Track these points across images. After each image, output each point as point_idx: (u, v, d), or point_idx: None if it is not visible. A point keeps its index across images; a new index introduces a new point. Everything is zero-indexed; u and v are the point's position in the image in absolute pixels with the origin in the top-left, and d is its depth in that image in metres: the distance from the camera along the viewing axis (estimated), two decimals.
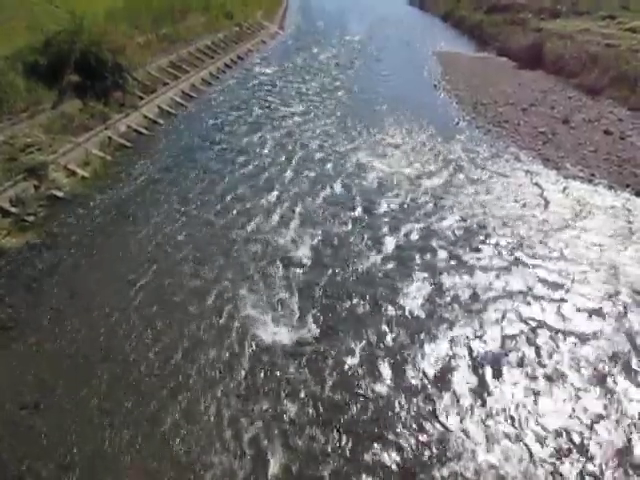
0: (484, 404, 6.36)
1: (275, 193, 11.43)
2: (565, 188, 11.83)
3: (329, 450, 5.79)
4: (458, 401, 6.39)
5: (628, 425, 6.14)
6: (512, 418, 6.18)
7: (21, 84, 12.41)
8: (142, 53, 18.12)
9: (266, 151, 13.82)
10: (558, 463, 5.68)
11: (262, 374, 6.73)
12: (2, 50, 13.04)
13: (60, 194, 10.77)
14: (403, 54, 27.11)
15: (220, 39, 25.55)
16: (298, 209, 10.72)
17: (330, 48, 28.48)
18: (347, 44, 29.81)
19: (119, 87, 14.96)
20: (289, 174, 12.42)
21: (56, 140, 11.85)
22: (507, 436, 5.96)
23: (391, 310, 7.91)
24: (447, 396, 6.46)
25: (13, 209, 9.83)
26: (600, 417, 6.24)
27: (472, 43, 30.63)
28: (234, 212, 10.64)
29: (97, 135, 13.12)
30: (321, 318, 7.72)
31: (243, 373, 6.74)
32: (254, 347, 7.15)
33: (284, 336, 7.34)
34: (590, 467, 5.67)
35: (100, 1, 21.12)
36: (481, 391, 6.54)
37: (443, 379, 6.71)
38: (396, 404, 6.35)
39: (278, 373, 6.75)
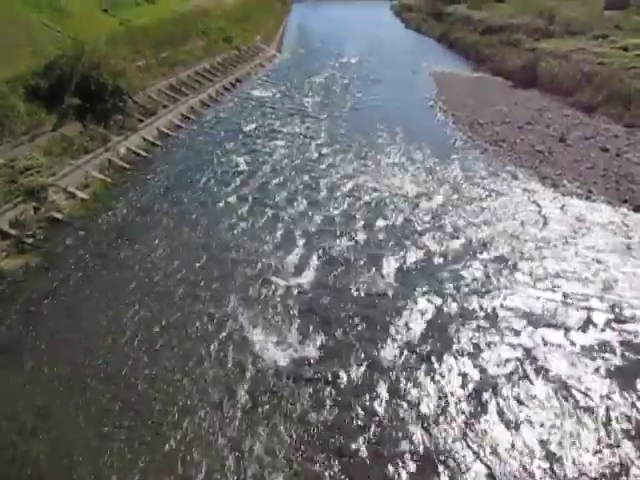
0: (478, 430, 6.29)
1: (273, 214, 11.46)
2: (563, 205, 11.86)
3: (329, 474, 5.72)
4: (461, 430, 6.31)
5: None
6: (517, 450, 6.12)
7: (22, 107, 12.54)
8: (142, 76, 18.34)
9: (264, 172, 13.89)
10: None
11: (262, 397, 6.66)
12: (4, 74, 13.20)
13: (59, 216, 10.81)
14: (399, 75, 27.38)
15: (219, 62, 25.86)
16: (296, 231, 10.72)
17: (327, 70, 28.79)
18: (344, 66, 30.15)
19: (119, 110, 15.13)
20: (287, 195, 12.46)
21: (56, 162, 11.94)
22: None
23: (391, 332, 7.85)
24: (449, 422, 6.39)
25: (12, 231, 9.85)
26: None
27: (467, 63, 30.93)
28: (232, 233, 10.65)
29: (97, 157, 13.22)
30: (321, 340, 7.67)
31: (243, 395, 6.67)
32: (254, 369, 7.09)
33: (284, 358, 7.28)
34: None
35: (101, 26, 21.49)
36: (477, 420, 6.45)
37: (443, 403, 6.65)
38: (395, 428, 6.29)
39: (278, 395, 6.69)
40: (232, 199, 12.22)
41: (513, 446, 5.99)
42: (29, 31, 17.46)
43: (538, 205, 11.88)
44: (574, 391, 6.75)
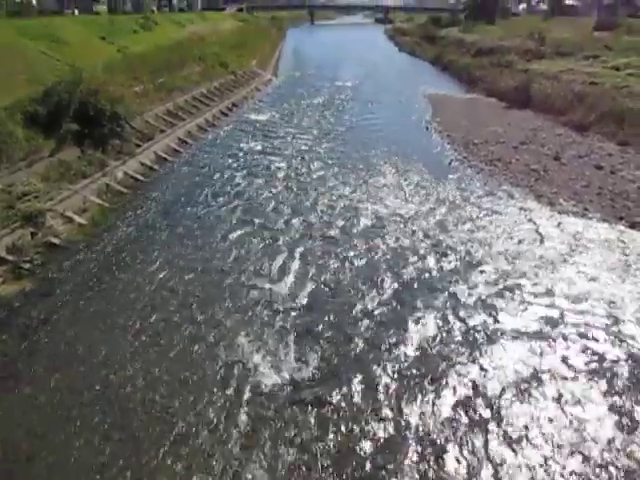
0: (478, 450, 6.21)
1: (271, 236, 11.44)
2: (560, 223, 11.89)
3: None
4: (466, 448, 6.22)
5: None
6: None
7: (20, 133, 12.61)
8: (140, 102, 18.52)
9: (260, 195, 13.92)
10: None
11: (262, 421, 6.56)
12: (2, 101, 13.30)
13: (57, 241, 10.79)
14: (394, 98, 27.73)
15: (215, 87, 26.17)
16: (294, 252, 10.69)
17: (322, 93, 29.17)
18: (339, 89, 30.54)
19: (117, 135, 15.23)
20: (284, 217, 12.47)
21: (54, 188, 11.97)
22: None
23: (390, 353, 7.79)
24: (452, 441, 6.30)
25: (10, 257, 9.82)
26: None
27: (461, 85, 31.39)
28: (229, 256, 10.62)
29: (95, 182, 13.26)
30: (320, 362, 7.60)
31: (243, 420, 6.57)
32: (253, 393, 7.00)
33: (282, 381, 7.20)
34: None
35: (99, 54, 21.78)
36: (476, 440, 6.36)
37: (445, 423, 6.57)
38: (398, 449, 6.20)
39: (277, 420, 6.59)
40: (229, 222, 12.23)
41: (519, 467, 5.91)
42: (27, 59, 17.67)
43: (535, 223, 11.91)
44: (572, 409, 6.69)
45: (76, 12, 37.57)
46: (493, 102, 25.37)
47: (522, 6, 78.48)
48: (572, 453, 6.07)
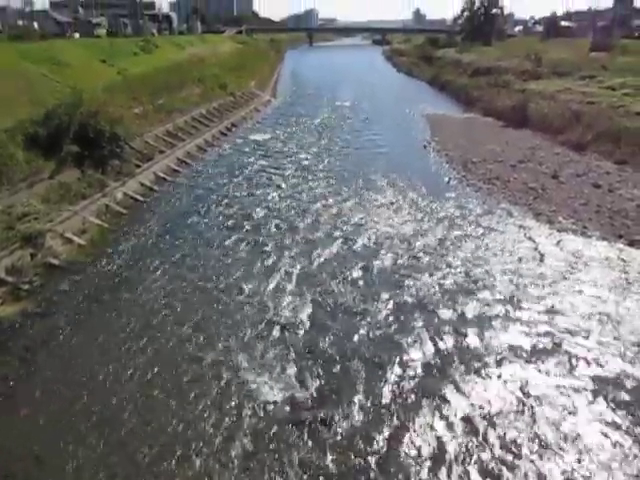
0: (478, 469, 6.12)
1: (270, 255, 11.43)
2: (559, 241, 11.90)
3: None
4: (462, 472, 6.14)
5: None
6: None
7: (21, 155, 12.69)
8: (139, 123, 18.68)
9: (260, 213, 13.94)
10: None
11: (262, 442, 6.48)
12: (3, 123, 13.40)
13: (56, 262, 10.77)
14: (392, 117, 27.99)
15: (215, 108, 26.41)
16: (294, 271, 10.66)
17: (321, 113, 29.41)
18: (338, 109, 30.82)
19: (116, 156, 15.32)
20: (284, 235, 12.48)
21: (53, 209, 11.99)
22: None
23: (390, 372, 7.72)
24: (448, 463, 6.22)
25: (9, 278, 9.80)
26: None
27: (458, 105, 31.68)
28: (229, 276, 10.59)
29: (94, 203, 13.30)
30: (320, 382, 7.53)
31: (243, 442, 6.49)
32: (253, 414, 6.93)
33: (282, 401, 7.13)
34: None
35: (99, 76, 22.02)
36: (477, 459, 6.26)
37: (444, 443, 6.49)
38: (396, 471, 6.11)
39: (278, 441, 6.51)
40: (228, 241, 12.22)
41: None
42: (29, 82, 17.87)
43: (534, 241, 11.91)
44: (571, 427, 6.62)
45: (77, 35, 38.14)
46: (490, 121, 25.58)
47: (518, 28, 79.80)
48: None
